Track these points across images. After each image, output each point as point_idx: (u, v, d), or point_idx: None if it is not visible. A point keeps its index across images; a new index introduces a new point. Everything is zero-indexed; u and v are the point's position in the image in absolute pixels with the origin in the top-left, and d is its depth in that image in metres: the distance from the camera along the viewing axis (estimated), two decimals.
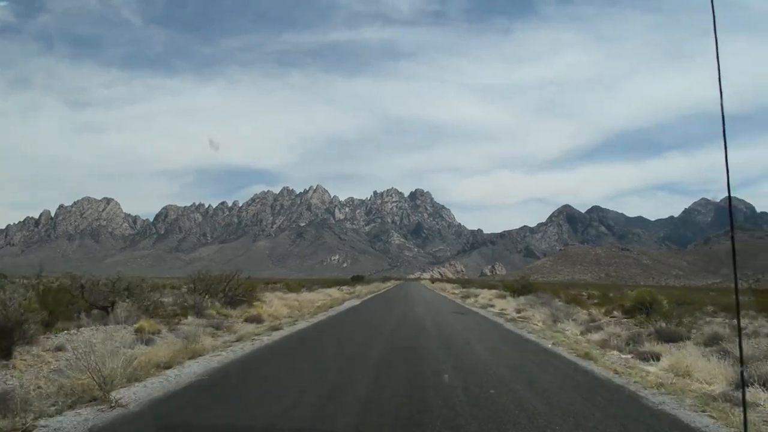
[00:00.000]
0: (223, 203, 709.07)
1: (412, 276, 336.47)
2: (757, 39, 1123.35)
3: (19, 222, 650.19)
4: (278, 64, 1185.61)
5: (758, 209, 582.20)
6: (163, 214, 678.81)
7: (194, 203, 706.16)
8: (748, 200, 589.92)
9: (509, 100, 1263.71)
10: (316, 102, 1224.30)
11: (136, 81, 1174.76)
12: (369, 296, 54.53)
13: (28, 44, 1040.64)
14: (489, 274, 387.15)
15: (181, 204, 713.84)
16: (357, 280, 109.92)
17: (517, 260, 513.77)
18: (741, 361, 3.24)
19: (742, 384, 3.46)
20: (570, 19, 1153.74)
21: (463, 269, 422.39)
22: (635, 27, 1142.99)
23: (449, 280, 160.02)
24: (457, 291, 67.84)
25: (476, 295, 48.70)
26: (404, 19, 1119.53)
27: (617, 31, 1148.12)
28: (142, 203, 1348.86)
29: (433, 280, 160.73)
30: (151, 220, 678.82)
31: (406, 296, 55.06)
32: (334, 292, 51.94)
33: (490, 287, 66.96)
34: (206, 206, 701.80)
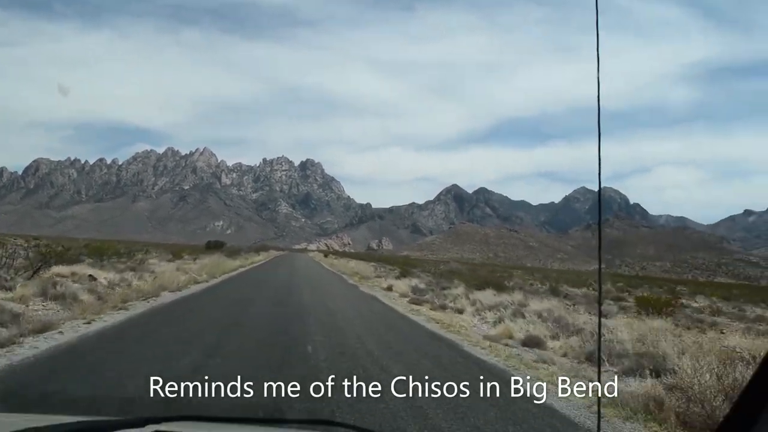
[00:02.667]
0: (101, 160, 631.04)
1: (297, 246, 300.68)
2: (637, 43, 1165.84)
3: None
4: (173, 20, 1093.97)
5: (631, 201, 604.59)
6: (34, 168, 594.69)
7: (69, 158, 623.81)
8: (622, 191, 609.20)
9: (406, 78, 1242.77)
10: (211, 63, 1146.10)
11: (12, 22, 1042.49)
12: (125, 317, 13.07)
13: None
14: (376, 248, 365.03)
15: (55, 158, 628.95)
16: (214, 247, 68.57)
17: (404, 236, 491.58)
18: (598, 352, 3.13)
19: (599, 377, 2.70)
20: (470, 3, 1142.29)
21: (351, 242, 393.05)
22: (528, 18, 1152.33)
23: (343, 254, 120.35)
24: (405, 288, 26.45)
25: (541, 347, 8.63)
26: None
27: (513, 21, 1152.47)
28: (11, 155, 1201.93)
29: (326, 254, 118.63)
30: (20, 173, 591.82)
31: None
32: None
33: (468, 280, 27.42)
34: (83, 162, 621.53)
